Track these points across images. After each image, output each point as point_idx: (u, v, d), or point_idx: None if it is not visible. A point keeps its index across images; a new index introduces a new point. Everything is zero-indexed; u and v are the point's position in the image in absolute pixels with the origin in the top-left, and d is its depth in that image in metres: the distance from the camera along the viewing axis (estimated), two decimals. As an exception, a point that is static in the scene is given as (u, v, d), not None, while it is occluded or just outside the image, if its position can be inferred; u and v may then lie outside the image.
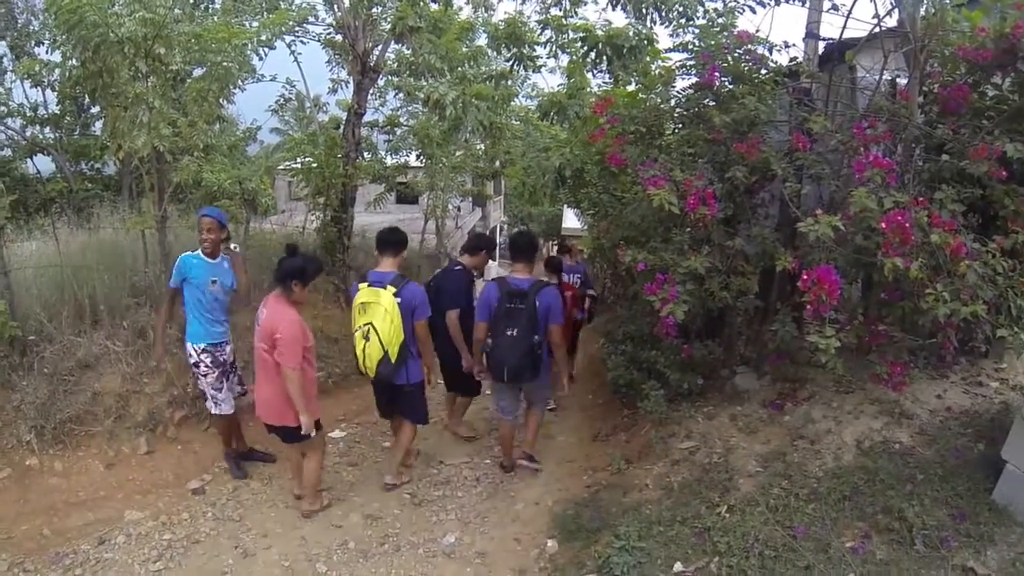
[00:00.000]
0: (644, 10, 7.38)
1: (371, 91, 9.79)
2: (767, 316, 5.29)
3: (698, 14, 7.08)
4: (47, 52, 6.51)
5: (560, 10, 8.09)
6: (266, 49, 7.04)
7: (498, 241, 30.39)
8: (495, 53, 9.02)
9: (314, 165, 8.84)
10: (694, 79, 5.40)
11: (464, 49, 8.55)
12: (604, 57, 7.62)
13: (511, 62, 8.45)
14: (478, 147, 13.77)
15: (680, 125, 5.83)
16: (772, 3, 6.12)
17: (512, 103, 10.56)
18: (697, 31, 5.70)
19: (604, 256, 7.52)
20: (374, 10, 8.50)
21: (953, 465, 3.77)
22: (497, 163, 14.15)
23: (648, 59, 7.44)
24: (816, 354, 3.63)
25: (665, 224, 5.17)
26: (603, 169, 7.03)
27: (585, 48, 7.73)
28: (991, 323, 3.41)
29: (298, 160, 9.45)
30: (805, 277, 3.50)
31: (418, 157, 12.71)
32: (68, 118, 12.33)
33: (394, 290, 4.78)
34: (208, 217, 5.08)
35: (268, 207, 7.68)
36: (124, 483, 5.18)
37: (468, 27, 9.06)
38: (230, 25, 6.49)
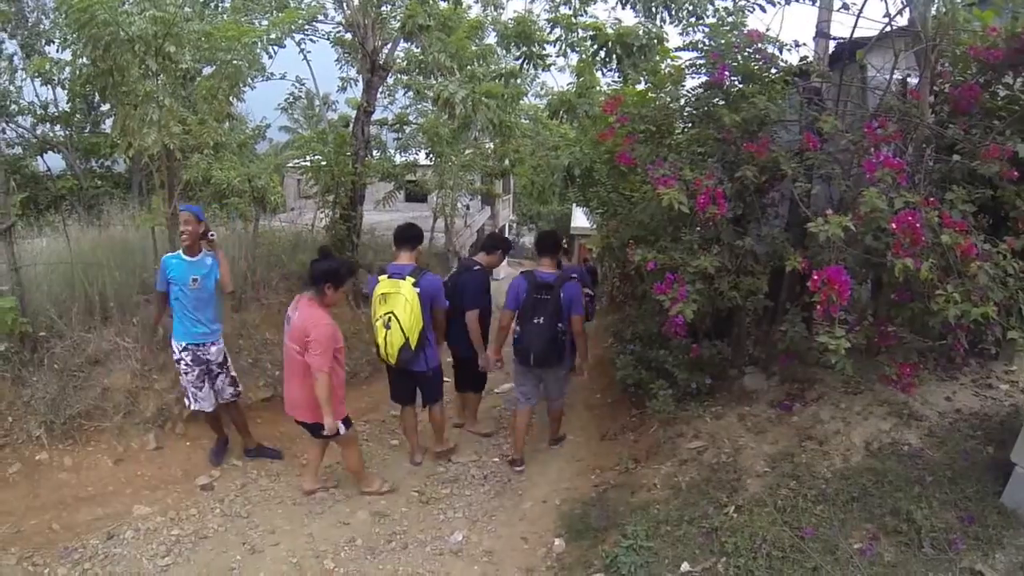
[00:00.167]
0: (654, 9, 7.36)
1: (380, 89, 9.82)
2: (776, 316, 5.28)
3: (708, 13, 7.07)
4: (57, 50, 6.53)
5: (570, 8, 8.09)
6: (276, 47, 7.06)
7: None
8: (504, 51, 9.02)
9: (323, 163, 8.86)
10: (704, 78, 5.37)
11: (473, 47, 8.57)
12: (614, 56, 7.61)
13: (520, 60, 8.45)
14: (487, 146, 13.79)
15: (690, 124, 5.80)
16: (782, 2, 6.12)
17: (521, 102, 10.55)
18: (707, 30, 5.67)
19: (613, 255, 7.51)
20: (383, 8, 8.53)
21: (962, 467, 3.75)
22: (506, 162, 14.15)
23: (658, 58, 7.40)
24: (825, 355, 3.62)
25: (675, 223, 5.16)
26: (612, 168, 7.00)
27: (595, 47, 7.72)
28: (1002, 325, 3.39)
29: (307, 158, 9.47)
30: (815, 277, 3.49)
31: (427, 155, 12.75)
32: (78, 116, 12.38)
33: (413, 280, 5.03)
34: (186, 211, 5.13)
35: (277, 205, 7.71)
36: (133, 478, 5.21)
37: (477, 25, 9.07)
38: (240, 23, 6.51)
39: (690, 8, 7.13)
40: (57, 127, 12.29)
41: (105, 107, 12.01)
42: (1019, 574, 3.06)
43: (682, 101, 5.65)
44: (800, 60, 5.38)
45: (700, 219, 4.54)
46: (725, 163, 5.14)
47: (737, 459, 4.45)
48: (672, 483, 4.55)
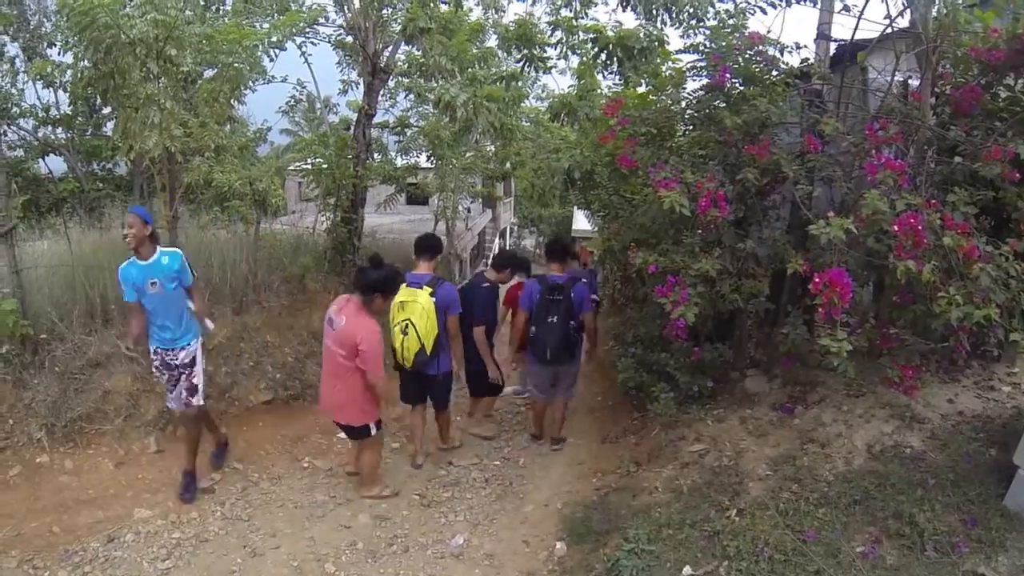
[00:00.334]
0: (655, 11, 7.35)
1: (381, 92, 9.81)
2: (778, 319, 5.27)
3: (709, 15, 7.06)
4: (59, 53, 6.53)
5: (570, 11, 8.08)
6: (277, 50, 7.07)
7: (507, 243, 30.49)
8: (505, 54, 9.02)
9: (324, 166, 8.85)
10: (705, 80, 5.39)
11: (474, 50, 8.55)
12: (615, 58, 7.60)
13: (521, 63, 8.44)
14: (488, 148, 13.77)
15: (691, 127, 5.81)
16: (783, 4, 6.11)
17: (522, 104, 10.55)
18: (708, 32, 5.69)
19: (615, 258, 7.50)
20: (384, 11, 8.52)
21: (964, 470, 3.74)
22: (507, 164, 14.14)
23: (659, 60, 7.40)
24: (827, 357, 3.62)
25: (676, 226, 5.16)
26: (613, 171, 7.01)
27: (596, 49, 7.71)
28: (1004, 327, 3.39)
29: (308, 161, 9.46)
30: (817, 280, 3.49)
31: (428, 158, 12.73)
32: (80, 119, 12.40)
33: (430, 291, 5.28)
34: (131, 213, 4.80)
35: (278, 208, 7.71)
36: (134, 481, 5.20)
37: (478, 28, 9.06)
38: (241, 26, 6.52)
39: (691, 10, 7.12)
40: (59, 130, 12.30)
41: (107, 110, 12.00)
42: (1022, 577, 3.05)
43: (683, 104, 5.66)
44: (801, 62, 5.39)
45: (701, 222, 4.54)
46: (726, 166, 5.14)
47: (739, 462, 4.44)
48: (674, 486, 4.53)
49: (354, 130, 9.64)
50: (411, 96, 11.27)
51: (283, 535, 4.70)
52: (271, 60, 7.24)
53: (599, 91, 8.95)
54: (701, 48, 5.50)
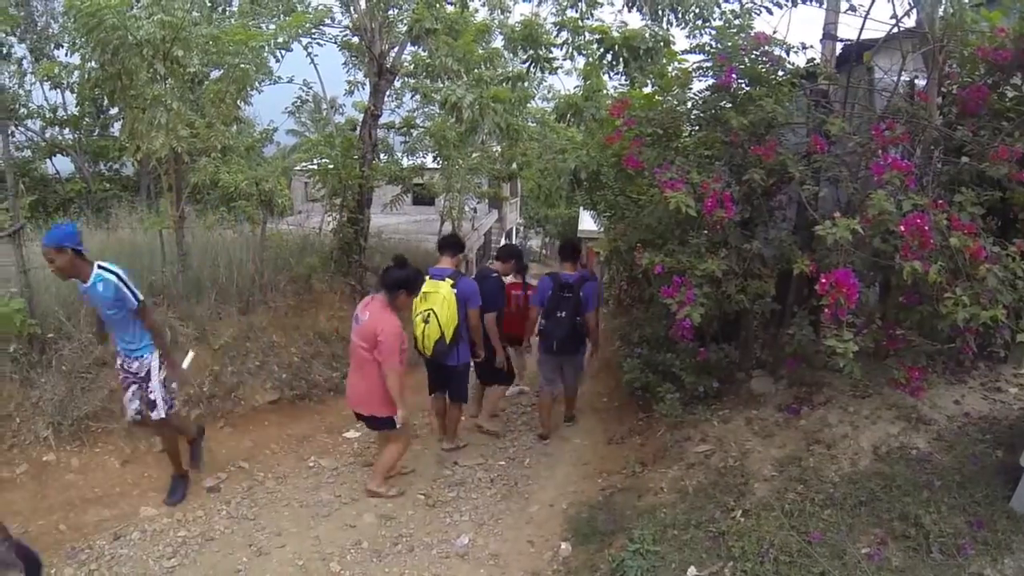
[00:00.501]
0: (660, 12, 7.36)
1: (387, 93, 9.82)
2: (784, 319, 5.26)
3: (714, 15, 7.06)
4: (66, 55, 6.60)
5: (576, 12, 8.08)
6: (283, 51, 7.10)
7: (513, 242, 30.52)
8: (511, 55, 9.03)
9: (330, 166, 8.88)
10: (711, 81, 5.38)
11: (480, 51, 8.56)
12: (620, 59, 7.60)
13: (527, 64, 8.45)
14: (494, 149, 13.78)
15: (697, 127, 5.80)
16: (789, 4, 6.09)
17: (528, 105, 10.56)
18: (714, 32, 5.68)
19: (621, 259, 7.51)
20: (390, 12, 8.54)
21: (971, 472, 3.72)
22: (513, 165, 14.15)
23: (664, 61, 7.40)
24: (833, 358, 3.60)
25: (682, 227, 5.15)
26: (619, 171, 7.00)
27: (601, 50, 7.71)
28: (1011, 328, 3.36)
29: (315, 161, 9.50)
30: (823, 280, 3.47)
31: (435, 159, 12.76)
32: (87, 119, 12.48)
33: (451, 282, 5.62)
34: (43, 247, 4.34)
35: (284, 208, 7.72)
36: (140, 480, 5.22)
37: (484, 29, 9.08)
38: (247, 27, 6.55)
39: (696, 11, 7.12)
40: (66, 130, 12.38)
41: (113, 111, 12.07)
42: (1029, 580, 3.04)
43: (689, 104, 5.65)
44: (807, 62, 5.38)
45: (707, 222, 4.53)
46: (732, 166, 5.13)
47: (744, 463, 4.44)
48: (679, 487, 4.53)
49: (360, 130, 9.66)
50: (417, 97, 11.28)
51: (288, 534, 4.70)
52: (277, 61, 7.29)
53: (605, 92, 8.94)
54: (707, 48, 5.49)
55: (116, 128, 12.27)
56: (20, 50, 12.30)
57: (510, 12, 10.11)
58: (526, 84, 9.92)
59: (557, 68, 8.60)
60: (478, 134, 10.84)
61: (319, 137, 10.16)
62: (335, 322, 8.02)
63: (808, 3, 5.90)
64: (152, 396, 4.72)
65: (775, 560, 3.43)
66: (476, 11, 9.63)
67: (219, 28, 6.30)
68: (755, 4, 6.33)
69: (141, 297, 4.60)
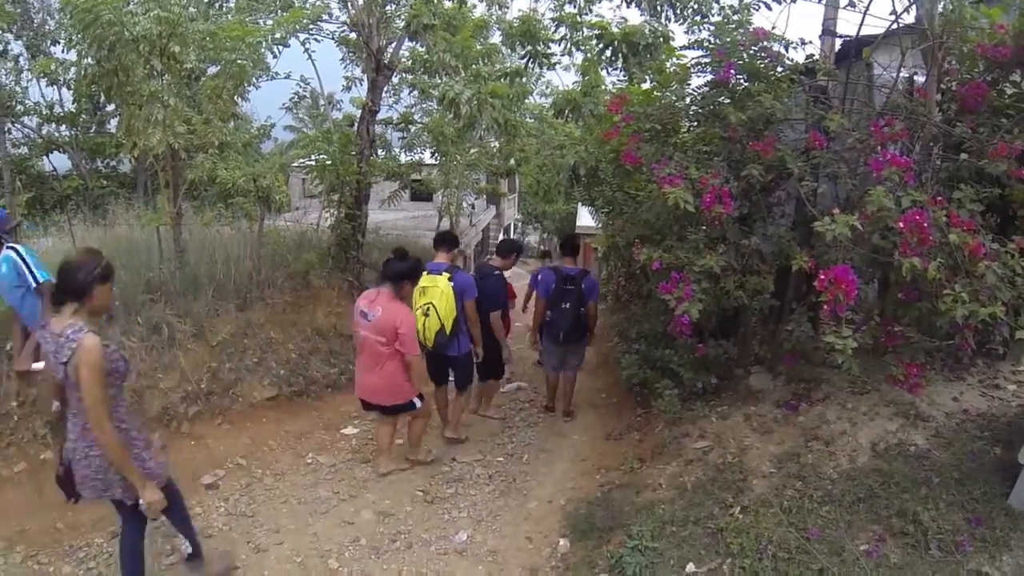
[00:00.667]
0: (659, 7, 7.36)
1: (385, 89, 9.81)
2: (782, 315, 5.26)
3: (713, 11, 7.05)
4: (63, 51, 6.56)
5: (575, 7, 8.07)
6: (280, 47, 7.06)
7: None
8: (509, 50, 9.01)
9: (328, 162, 8.86)
10: (709, 76, 5.37)
11: (478, 47, 8.54)
12: (619, 55, 7.60)
13: (525, 59, 8.44)
14: (492, 145, 13.77)
15: (695, 123, 5.79)
16: (788, 0, 6.08)
17: (527, 101, 10.54)
18: (712, 28, 5.65)
19: (619, 255, 7.50)
20: (388, 8, 8.53)
21: (969, 469, 3.72)
22: (511, 161, 14.15)
23: (663, 56, 7.39)
24: (832, 354, 3.60)
25: (680, 222, 5.13)
26: (618, 167, 7.00)
27: (600, 46, 7.71)
28: (1009, 325, 3.36)
29: (312, 157, 9.48)
30: (822, 277, 3.47)
31: (432, 155, 12.75)
32: (84, 116, 12.46)
33: (448, 276, 5.77)
34: None
35: (282, 204, 7.73)
36: (138, 478, 5.20)
37: (482, 24, 9.06)
38: (244, 23, 6.52)
39: (695, 6, 7.12)
40: (62, 127, 12.36)
41: (110, 107, 12.08)
42: (1027, 576, 3.04)
43: (687, 100, 5.65)
44: (806, 58, 5.36)
45: (706, 218, 4.52)
46: (731, 162, 5.11)
47: (743, 459, 4.44)
48: (677, 483, 4.53)
49: (358, 126, 9.65)
50: (415, 92, 11.29)
51: (286, 531, 4.70)
52: (275, 57, 7.25)
53: (603, 87, 8.94)
54: (706, 44, 5.47)
55: (113, 125, 12.27)
56: (16, 47, 12.30)
57: (508, 7, 10.11)
58: (524, 80, 9.90)
59: (555, 64, 8.60)
60: (476, 130, 10.84)
61: (317, 133, 10.13)
62: (333, 318, 8.02)
63: (807, -1, 5.89)
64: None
65: (773, 557, 3.43)
66: (474, 6, 9.63)
67: (216, 24, 6.26)
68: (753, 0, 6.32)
69: (40, 280, 4.54)
